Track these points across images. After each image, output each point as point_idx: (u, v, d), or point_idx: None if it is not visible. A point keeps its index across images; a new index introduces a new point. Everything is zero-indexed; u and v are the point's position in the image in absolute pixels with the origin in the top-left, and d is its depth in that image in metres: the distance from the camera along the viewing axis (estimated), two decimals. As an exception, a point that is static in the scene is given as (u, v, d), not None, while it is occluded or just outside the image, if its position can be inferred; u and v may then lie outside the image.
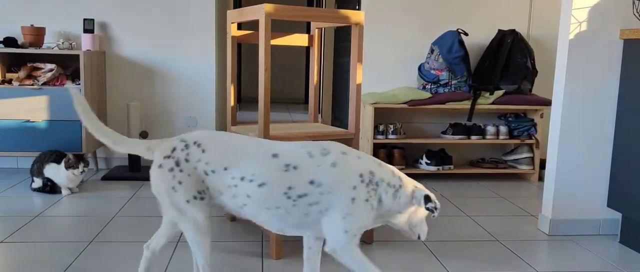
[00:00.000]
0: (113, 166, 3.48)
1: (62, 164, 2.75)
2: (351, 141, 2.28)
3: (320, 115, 6.67)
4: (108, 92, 3.41)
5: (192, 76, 3.44)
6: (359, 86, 2.25)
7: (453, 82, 3.34)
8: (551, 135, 2.42)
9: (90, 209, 2.58)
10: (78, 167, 2.74)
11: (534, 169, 3.46)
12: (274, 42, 2.39)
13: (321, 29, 2.57)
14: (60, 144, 3.00)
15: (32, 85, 3.01)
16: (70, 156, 2.74)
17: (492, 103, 3.34)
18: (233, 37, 2.36)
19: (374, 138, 3.29)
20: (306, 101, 8.41)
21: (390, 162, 3.35)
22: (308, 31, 7.81)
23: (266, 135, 2.08)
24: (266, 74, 2.04)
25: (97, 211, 2.56)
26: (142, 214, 2.53)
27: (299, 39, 2.48)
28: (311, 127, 2.36)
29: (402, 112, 3.54)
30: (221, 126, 3.90)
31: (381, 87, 3.55)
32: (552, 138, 2.41)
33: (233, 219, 2.48)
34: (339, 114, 4.45)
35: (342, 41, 4.26)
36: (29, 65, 3.09)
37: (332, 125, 4.79)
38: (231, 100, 2.40)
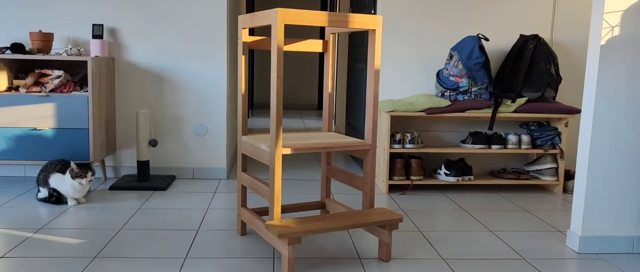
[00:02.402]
0: (122, 174, 3.40)
1: (68, 174, 2.66)
2: (368, 152, 2.16)
3: (333, 122, 6.56)
4: (117, 99, 3.33)
5: (203, 83, 3.35)
6: (376, 95, 2.13)
7: (473, 89, 3.20)
8: (581, 146, 2.28)
9: (96, 221, 2.49)
10: (85, 177, 2.65)
11: (558, 180, 3.30)
12: (287, 48, 2.29)
13: (335, 34, 2.45)
14: (68, 153, 2.92)
15: (39, 92, 2.94)
16: (74, 165, 2.66)
17: (514, 111, 3.20)
18: (244, 43, 2.26)
19: (391, 147, 3.17)
20: (319, 107, 8.29)
21: (407, 173, 3.23)
22: (322, 36, 7.70)
23: (278, 146, 1.97)
24: (279, 82, 1.93)
25: (103, 223, 2.47)
26: (149, 226, 2.43)
27: (313, 45, 2.37)
28: (326, 137, 2.25)
29: (419, 120, 3.41)
30: (233, 134, 3.81)
31: (398, 94, 3.43)
32: (582, 149, 2.27)
33: (243, 232, 2.37)
34: (353, 122, 4.33)
35: (357, 47, 4.15)
36: (36, 71, 3.02)
37: (346, 133, 4.67)
38: (243, 109, 2.29)
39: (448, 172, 3.24)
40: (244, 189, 2.35)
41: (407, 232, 2.47)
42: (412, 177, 3.21)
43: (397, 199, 3.07)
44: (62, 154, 2.93)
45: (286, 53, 8.04)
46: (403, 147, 3.20)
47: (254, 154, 2.19)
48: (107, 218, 2.54)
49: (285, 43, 2.29)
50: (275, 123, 1.95)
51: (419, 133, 3.25)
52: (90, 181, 2.68)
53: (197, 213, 2.67)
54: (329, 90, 2.45)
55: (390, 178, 3.21)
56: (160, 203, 2.82)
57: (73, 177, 2.65)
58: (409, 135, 3.20)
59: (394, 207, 2.90)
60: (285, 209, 2.44)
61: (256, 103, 8.15)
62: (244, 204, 2.36)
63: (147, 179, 3.21)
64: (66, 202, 2.74)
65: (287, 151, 2.00)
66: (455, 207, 2.93)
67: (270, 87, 1.96)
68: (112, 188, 3.08)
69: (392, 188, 3.28)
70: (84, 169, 2.67)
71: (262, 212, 2.37)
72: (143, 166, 3.19)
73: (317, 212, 2.68)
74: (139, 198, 2.91)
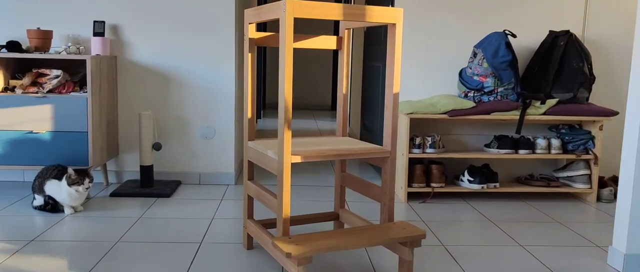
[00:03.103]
0: (125, 180, 3.22)
1: (64, 180, 2.49)
2: (386, 160, 1.95)
3: (348, 123, 6.34)
4: (120, 100, 3.16)
5: (210, 83, 3.17)
6: (396, 97, 1.91)
7: (499, 89, 2.97)
8: (626, 153, 2.04)
9: (91, 233, 2.31)
10: (82, 184, 2.48)
11: (591, 188, 3.05)
12: (298, 45, 2.08)
13: (350, 29, 2.24)
14: (66, 157, 2.75)
15: (37, 93, 2.77)
16: (71, 171, 2.48)
17: (544, 113, 2.96)
18: (251, 40, 2.06)
19: (410, 152, 2.95)
20: (333, 107, 8.08)
21: (428, 180, 3.00)
22: (335, 32, 7.48)
23: (286, 154, 1.77)
24: (288, 81, 1.72)
25: (99, 234, 2.29)
26: (149, 238, 2.25)
27: (326, 42, 2.17)
28: (340, 143, 2.04)
29: (441, 123, 3.19)
30: (242, 137, 3.61)
31: (416, 95, 3.20)
32: (627, 156, 2.03)
33: (250, 246, 2.17)
34: (368, 123, 4.11)
35: (373, 44, 3.93)
36: (34, 71, 2.85)
37: (361, 136, 4.45)
38: (248, 111, 2.09)
39: (472, 179, 3.01)
40: (250, 199, 2.15)
41: (430, 247, 2.26)
42: (433, 184, 2.99)
43: (416, 208, 2.85)
44: (59, 159, 2.76)
45: (298, 51, 7.85)
46: (423, 152, 2.98)
47: (260, 162, 1.99)
48: (104, 229, 2.36)
49: (296, 39, 2.09)
50: (283, 128, 1.75)
51: (440, 137, 3.02)
52: (87, 188, 2.50)
53: (201, 223, 2.48)
54: (344, 91, 2.24)
55: (409, 185, 2.99)
56: (163, 212, 2.64)
57: (69, 184, 2.48)
58: (429, 139, 2.97)
59: (413, 217, 2.68)
60: (295, 221, 2.24)
61: (268, 103, 7.97)
62: (250, 215, 2.16)
63: (150, 185, 3.03)
64: (63, 211, 2.57)
65: (297, 159, 1.80)
66: (480, 218, 2.70)
67: (279, 87, 1.76)
68: (113, 195, 2.90)
69: (411, 196, 3.06)
70: (81, 175, 2.49)
71: (271, 224, 2.17)
72: (146, 171, 3.01)
73: (330, 224, 2.47)
74: (141, 206, 2.73)
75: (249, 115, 2.09)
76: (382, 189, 1.99)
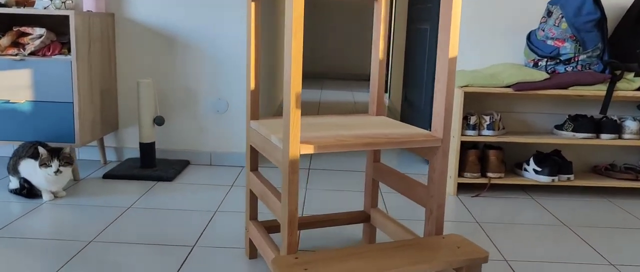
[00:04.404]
0: (125, 157, 2.79)
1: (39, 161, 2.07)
2: (436, 151, 1.41)
3: (387, 96, 5.75)
4: (119, 66, 2.71)
5: (222, 48, 2.66)
6: (452, 67, 1.36)
7: (580, 57, 2.34)
8: None
9: (66, 227, 1.88)
10: (50, 166, 2.05)
11: (693, 184, 2.42)
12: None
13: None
14: (49, 133, 2.33)
15: (16, 55, 2.34)
16: (42, 150, 2.06)
17: (638, 89, 2.32)
18: (255, -15, 1.53)
19: (463, 134, 2.38)
20: (373, 78, 7.47)
21: (484, 168, 2.44)
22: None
23: (293, 142, 1.25)
24: (296, 40, 1.20)
25: (75, 229, 1.86)
26: (131, 237, 1.80)
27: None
28: (371, 125, 1.50)
29: (502, 98, 2.59)
30: (261, 110, 3.11)
31: (473, 63, 2.61)
32: None
33: (253, 255, 1.69)
34: (411, 97, 3.54)
35: (419, 1, 3.33)
36: (15, 29, 2.42)
37: (402, 112, 3.88)
38: (251, 81, 1.58)
39: (539, 169, 2.42)
40: (253, 196, 1.66)
41: (487, 263, 1.72)
42: (490, 174, 2.42)
43: (468, 203, 2.30)
44: (41, 134, 2.34)
45: (332, 8, 7.24)
46: (479, 135, 2.40)
47: (264, 150, 1.48)
48: (82, 222, 1.93)
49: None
50: (290, 105, 1.23)
51: (500, 116, 2.44)
52: (58, 172, 2.06)
53: (201, 218, 2.02)
54: (380, 56, 1.69)
55: (460, 175, 2.43)
56: (158, 200, 2.19)
57: (40, 166, 2.05)
58: (487, 118, 2.39)
59: (463, 215, 2.13)
60: (310, 222, 1.74)
61: (305, 72, 7.44)
62: (253, 216, 1.67)
63: (151, 165, 2.59)
64: (41, 196, 2.16)
65: (308, 150, 1.28)
66: (551, 220, 2.13)
67: (284, 48, 1.24)
68: (106, 176, 2.48)
69: (461, 188, 2.51)
70: (52, 155, 2.06)
71: (279, 227, 1.68)
72: (147, 149, 2.56)
73: (358, 229, 1.95)
74: (135, 192, 2.29)
75: (252, 86, 1.58)
76: (428, 190, 1.45)
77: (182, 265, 1.62)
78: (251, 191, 1.65)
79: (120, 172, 2.49)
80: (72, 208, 2.07)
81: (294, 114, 1.23)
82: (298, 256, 1.27)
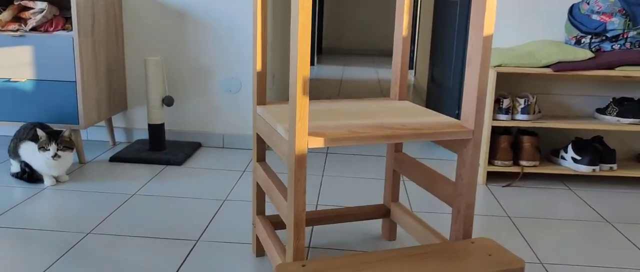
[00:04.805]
0: (135, 138, 2.67)
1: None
2: (466, 143, 1.23)
3: (413, 73, 5.51)
4: (127, 43, 2.56)
5: (236, 24, 2.49)
6: (487, 45, 1.16)
7: (629, 34, 2.10)
8: None
9: (66, 215, 1.76)
10: (48, 150, 1.93)
11: None
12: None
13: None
14: (51, 114, 2.21)
15: (16, 31, 2.21)
16: (41, 132, 1.94)
17: (695, 69, 2.08)
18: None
19: (494, 119, 2.18)
20: (399, 54, 7.21)
21: (516, 156, 2.23)
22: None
23: (301, 133, 1.08)
24: (304, 12, 1.02)
25: (74, 218, 1.74)
26: (132, 229, 1.67)
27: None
28: (392, 113, 1.32)
29: (539, 79, 2.37)
30: (276, 90, 2.94)
31: (507, 40, 2.38)
32: None
33: (260, 253, 1.55)
34: (438, 76, 3.32)
35: (448, -25, 3.08)
36: (16, 3, 2.29)
37: (429, 92, 3.66)
38: (258, 63, 1.41)
39: (578, 157, 2.21)
40: (260, 189, 1.51)
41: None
42: (523, 162, 2.22)
43: (498, 194, 2.11)
44: (43, 115, 2.22)
45: (362, -10, 6.99)
46: (512, 119, 2.20)
47: (270, 141, 1.32)
48: (82, 211, 1.81)
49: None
50: (297, 91, 1.06)
51: (536, 98, 2.22)
52: (56, 157, 1.94)
53: (209, 207, 1.88)
54: (403, 33, 1.50)
55: (491, 162, 2.24)
56: (165, 187, 2.06)
57: (38, 148, 1.94)
58: (521, 101, 2.18)
59: (493, 208, 1.95)
60: (322, 218, 1.58)
61: (327, 48, 7.23)
62: (261, 210, 1.52)
63: (161, 148, 2.46)
64: (42, 180, 2.05)
65: (317, 143, 1.11)
66: (591, 215, 1.93)
67: (291, 24, 1.07)
68: (113, 159, 2.36)
69: (491, 176, 2.31)
70: (52, 139, 1.93)
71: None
72: (156, 131, 2.43)
73: (376, 224, 1.79)
74: (142, 177, 2.17)
75: (258, 67, 1.41)
76: (456, 187, 1.27)
77: (182, 263, 1.49)
78: (258, 184, 1.49)
79: (128, 155, 2.37)
80: (74, 195, 1.96)
81: (301, 101, 1.06)
82: (305, 264, 1.11)
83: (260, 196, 1.51)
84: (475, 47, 1.16)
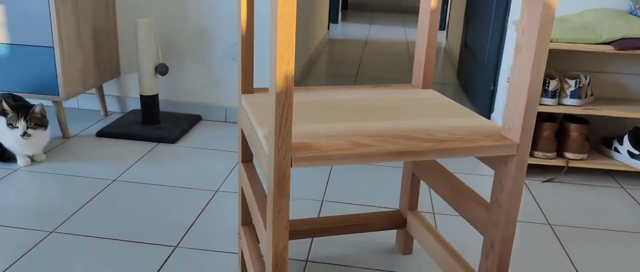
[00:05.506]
0: (129, 109, 2.42)
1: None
2: (508, 160, 0.92)
3: (445, 34, 5.09)
4: (118, 3, 2.27)
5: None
6: (546, 15, 0.83)
7: None
8: None
9: (32, 207, 1.53)
10: (16, 127, 1.68)
11: None
12: None
13: None
14: (27, 83, 1.96)
15: (-12, -13, 1.94)
16: (7, 107, 1.69)
17: None
18: None
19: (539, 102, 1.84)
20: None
21: (562, 147, 1.90)
22: None
23: (282, 150, 0.79)
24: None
25: (40, 212, 1.51)
26: (102, 228, 1.43)
27: None
28: (410, 110, 1.01)
29: (595, 57, 2.00)
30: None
31: (557, 8, 2.00)
32: None
33: (245, 269, 1.29)
34: (472, 43, 2.95)
35: None
36: (-11, -46, 2.00)
37: (461, 61, 3.30)
38: (243, 31, 1.10)
39: (636, 152, 1.86)
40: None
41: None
42: (569, 154, 1.89)
43: (538, 191, 1.80)
44: (19, 85, 1.97)
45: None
46: (559, 104, 1.85)
47: (251, 144, 1.03)
48: (51, 200, 1.58)
49: None
50: (274, 97, 0.76)
51: (589, 79, 1.86)
52: (25, 135, 1.70)
53: (196, 200, 1.62)
54: (432, 4, 1.17)
55: (530, 154, 1.91)
56: (153, 171, 1.81)
57: (7, 125, 1.69)
58: (571, 83, 1.83)
59: (531, 211, 1.64)
60: (325, 229, 1.31)
61: (351, 3, 6.79)
62: (247, 220, 1.25)
63: (154, 122, 2.20)
64: (16, 160, 1.82)
65: (304, 162, 0.82)
66: (652, 226, 1.61)
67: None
68: (100, 134, 2.11)
69: (531, 170, 1.99)
70: (21, 115, 1.69)
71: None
72: (148, 103, 2.17)
73: (389, 234, 1.50)
74: (129, 157, 1.92)
75: (243, 27, 1.10)
76: (490, 214, 0.98)
77: (153, 278, 1.25)
78: (243, 189, 1.22)
79: (117, 130, 2.12)
80: (47, 179, 1.72)
81: (283, 109, 0.76)
82: (285, 317, 0.84)
83: (246, 203, 1.24)
84: (531, 23, 0.83)
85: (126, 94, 2.40)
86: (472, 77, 2.81)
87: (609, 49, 1.71)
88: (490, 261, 0.99)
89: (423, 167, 1.24)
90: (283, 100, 0.76)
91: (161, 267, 1.29)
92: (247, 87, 1.14)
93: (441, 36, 5.13)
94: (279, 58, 0.74)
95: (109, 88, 2.39)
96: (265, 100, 1.08)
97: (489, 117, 2.34)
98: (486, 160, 0.97)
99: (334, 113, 1.01)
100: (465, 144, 0.88)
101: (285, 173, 0.80)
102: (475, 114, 1.06)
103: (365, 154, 0.83)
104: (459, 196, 1.09)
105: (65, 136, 2.08)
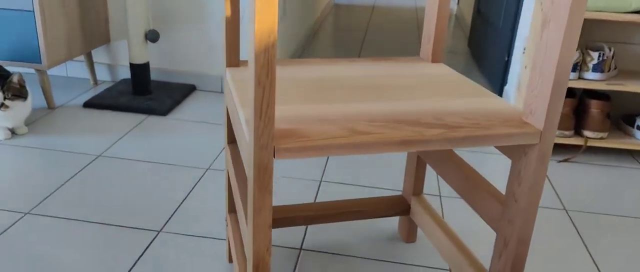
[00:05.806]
0: (120, 77, 2.29)
1: (-19, 91, 1.59)
2: (529, 150, 0.79)
3: (456, 3, 4.88)
4: (107, -39, 2.12)
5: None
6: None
7: None
8: None
9: (7, 186, 1.43)
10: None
11: None
12: None
13: None
14: (7, 50, 1.83)
15: (-38, -56, 1.79)
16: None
17: None
18: None
19: (556, 77, 1.69)
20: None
21: (579, 124, 1.76)
22: None
23: (262, 139, 0.67)
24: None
25: (17, 189, 1.41)
26: (78, 211, 1.32)
27: None
28: (416, 89, 0.88)
29: (620, 28, 1.84)
30: (287, 25, 2.47)
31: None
32: None
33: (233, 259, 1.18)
34: (486, 9, 2.78)
35: None
36: None
37: (472, 28, 3.13)
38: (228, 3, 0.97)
39: (661, 131, 1.72)
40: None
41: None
42: (588, 133, 1.75)
43: (554, 172, 1.67)
44: None
45: None
46: (580, 78, 1.71)
47: (234, 125, 0.91)
48: (29, 178, 1.47)
49: None
50: (254, 74, 0.63)
51: (613, 52, 1.71)
52: (3, 107, 1.58)
53: (184, 179, 1.51)
54: (444, -35, 1.02)
55: (545, 132, 1.77)
56: (140, 146, 1.69)
57: (-19, 97, 1.58)
58: (595, 55, 1.68)
59: (546, 193, 1.52)
60: (321, 217, 1.19)
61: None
62: (233, 207, 1.14)
63: (145, 92, 2.08)
64: (-4, 133, 1.72)
65: (288, 154, 0.69)
66: (677, 213, 1.49)
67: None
68: (87, 105, 2.00)
69: (544, 147, 1.86)
70: (-5, 86, 1.57)
71: (276, 220, 1.15)
72: (139, 72, 2.04)
73: (391, 220, 1.39)
74: (115, 130, 1.81)
75: (228, 10, 0.96)
76: (505, 210, 0.85)
77: (131, 268, 1.14)
78: (229, 174, 1.10)
79: (105, 101, 2.00)
80: (27, 153, 1.61)
81: (263, 90, 0.63)
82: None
83: (231, 189, 1.12)
84: None
85: (117, 62, 2.27)
86: (484, 46, 2.65)
87: (638, 18, 1.56)
88: (503, 262, 0.87)
89: (430, 151, 1.11)
90: (264, 80, 0.63)
91: (141, 255, 1.18)
92: (233, 59, 1.01)
93: (452, 1, 4.91)
94: (258, 26, 0.61)
95: (99, 55, 2.26)
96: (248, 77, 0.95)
97: (501, 90, 2.19)
98: (503, 148, 0.85)
99: (329, 92, 0.88)
100: (480, 132, 0.75)
101: (266, 166, 0.68)
102: (492, 93, 0.92)
103: (362, 143, 0.71)
104: (470, 186, 0.96)
105: (50, 106, 1.96)
